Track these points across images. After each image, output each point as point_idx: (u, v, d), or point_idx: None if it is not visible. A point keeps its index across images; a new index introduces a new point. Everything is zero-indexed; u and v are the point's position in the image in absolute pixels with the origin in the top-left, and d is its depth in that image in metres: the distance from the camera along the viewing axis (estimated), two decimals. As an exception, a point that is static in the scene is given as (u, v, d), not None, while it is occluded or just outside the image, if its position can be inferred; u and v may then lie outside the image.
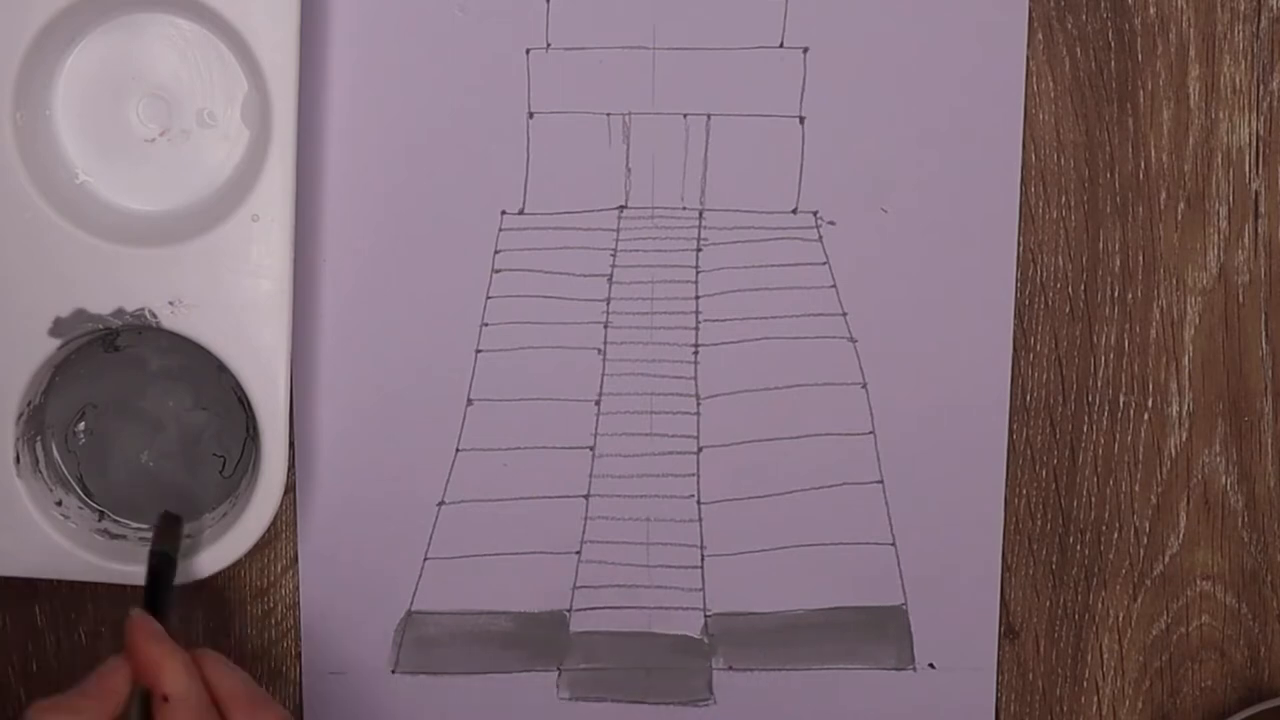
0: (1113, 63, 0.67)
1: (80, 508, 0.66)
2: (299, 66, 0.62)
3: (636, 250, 0.68)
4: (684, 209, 0.68)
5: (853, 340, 0.68)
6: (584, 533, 0.69)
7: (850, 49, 0.67)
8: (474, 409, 0.68)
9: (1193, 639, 0.71)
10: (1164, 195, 0.68)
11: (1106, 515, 0.70)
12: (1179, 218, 0.68)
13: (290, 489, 0.68)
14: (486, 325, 0.68)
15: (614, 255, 0.68)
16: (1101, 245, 0.68)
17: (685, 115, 0.67)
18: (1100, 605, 0.70)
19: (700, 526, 0.69)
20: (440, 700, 0.70)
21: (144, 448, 0.67)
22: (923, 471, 0.69)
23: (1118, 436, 0.69)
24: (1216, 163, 0.68)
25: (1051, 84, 0.67)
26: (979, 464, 0.69)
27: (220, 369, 0.63)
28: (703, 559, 0.69)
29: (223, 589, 0.69)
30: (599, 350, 0.68)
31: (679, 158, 0.67)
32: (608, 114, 0.67)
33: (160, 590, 0.62)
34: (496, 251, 0.67)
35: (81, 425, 0.67)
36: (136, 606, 0.60)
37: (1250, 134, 0.68)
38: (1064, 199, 0.68)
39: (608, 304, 0.68)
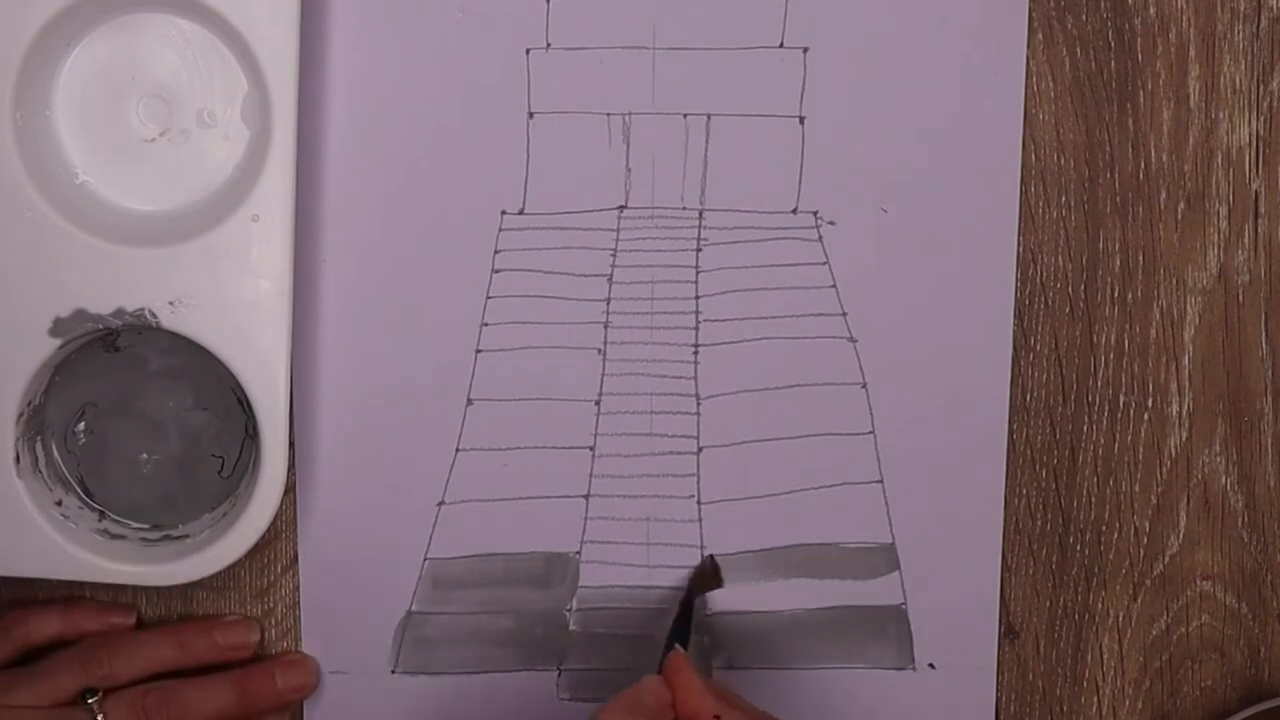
0: (1113, 63, 0.67)
1: (80, 508, 0.66)
2: (299, 66, 0.62)
3: (636, 250, 0.68)
4: (684, 209, 0.68)
5: (853, 340, 0.68)
6: (584, 533, 0.69)
7: (850, 49, 0.67)
8: (474, 409, 0.68)
9: (1193, 639, 0.71)
10: (1164, 195, 0.68)
11: (1106, 515, 0.70)
12: (1179, 218, 0.68)
13: (290, 489, 0.68)
14: (486, 325, 0.68)
15: (614, 255, 0.68)
16: (1101, 245, 0.68)
17: (685, 115, 0.67)
18: (1100, 605, 0.70)
19: (700, 526, 0.69)
20: (440, 700, 0.70)
21: (144, 448, 0.67)
22: (923, 471, 0.69)
23: (1118, 436, 0.69)
24: (1216, 163, 0.68)
25: (1051, 84, 0.67)
26: (979, 464, 0.69)
27: (220, 369, 0.63)
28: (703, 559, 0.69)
29: (223, 589, 0.69)
30: (599, 350, 0.68)
31: (679, 158, 0.67)
32: (608, 114, 0.67)
33: (687, 625, 0.66)
34: (496, 251, 0.67)
35: (81, 425, 0.67)
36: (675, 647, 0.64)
37: (1250, 134, 0.68)
38: (1064, 199, 0.68)
39: (608, 304, 0.68)
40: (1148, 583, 0.70)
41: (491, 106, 0.67)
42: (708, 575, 0.69)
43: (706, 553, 0.69)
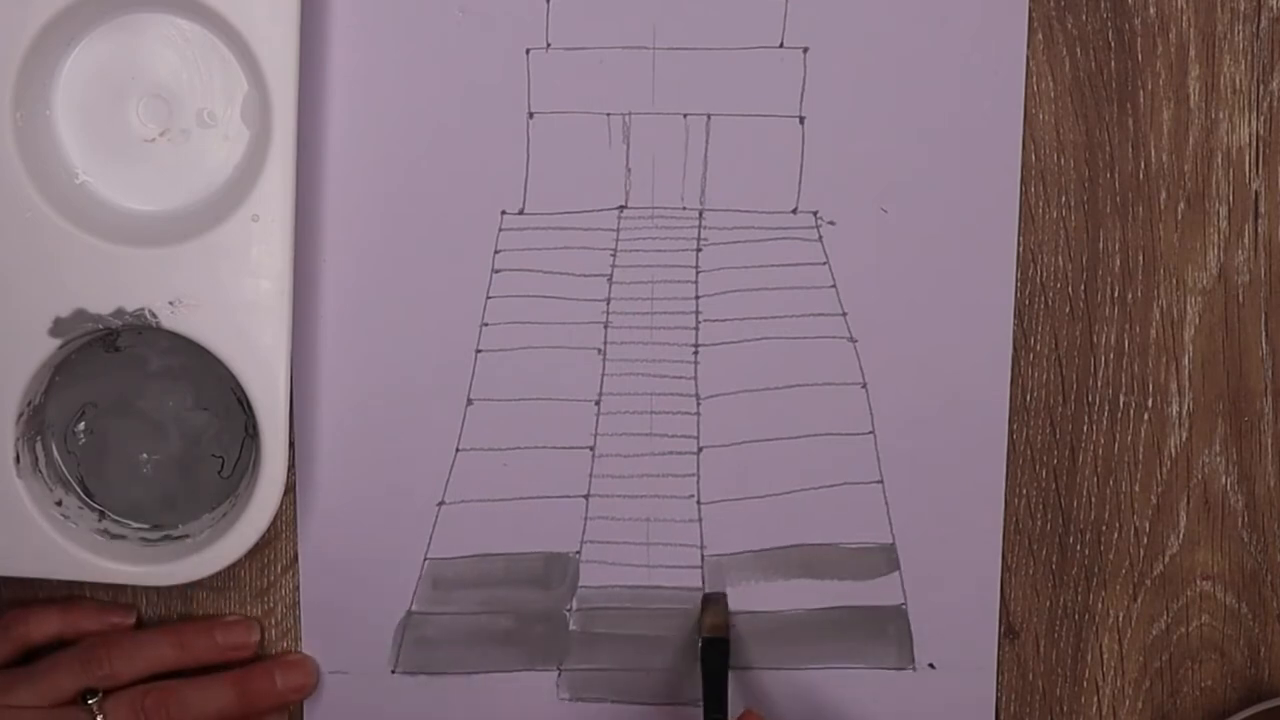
0: (1113, 63, 0.67)
1: (80, 508, 0.66)
2: (299, 66, 0.62)
3: (636, 250, 0.68)
4: (684, 209, 0.68)
5: (853, 340, 0.68)
6: (584, 533, 0.69)
7: (850, 49, 0.67)
8: (474, 409, 0.68)
9: (1193, 639, 0.71)
10: (1164, 195, 0.68)
11: (1106, 515, 0.70)
12: (1179, 218, 0.68)
13: (290, 489, 0.68)
14: (486, 325, 0.68)
15: (614, 255, 0.68)
16: (1101, 245, 0.68)
17: (685, 115, 0.67)
18: (1100, 605, 0.70)
19: (700, 526, 0.69)
20: (440, 700, 0.70)
21: (144, 448, 0.67)
22: (923, 471, 0.69)
23: (1118, 436, 0.69)
24: (1216, 163, 0.68)
25: (1051, 84, 0.67)
26: (979, 464, 0.69)
27: (220, 369, 0.63)
28: (703, 559, 0.69)
29: (223, 589, 0.69)
30: (599, 350, 0.68)
31: (679, 158, 0.67)
32: (608, 114, 0.67)
33: (722, 680, 0.66)
34: (496, 251, 0.67)
35: (81, 425, 0.67)
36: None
37: (1250, 134, 0.68)
38: (1064, 199, 0.68)
39: (608, 304, 0.68)
40: (1148, 583, 0.70)
41: (491, 106, 0.67)
42: (718, 615, 0.68)
43: (705, 590, 0.69)
